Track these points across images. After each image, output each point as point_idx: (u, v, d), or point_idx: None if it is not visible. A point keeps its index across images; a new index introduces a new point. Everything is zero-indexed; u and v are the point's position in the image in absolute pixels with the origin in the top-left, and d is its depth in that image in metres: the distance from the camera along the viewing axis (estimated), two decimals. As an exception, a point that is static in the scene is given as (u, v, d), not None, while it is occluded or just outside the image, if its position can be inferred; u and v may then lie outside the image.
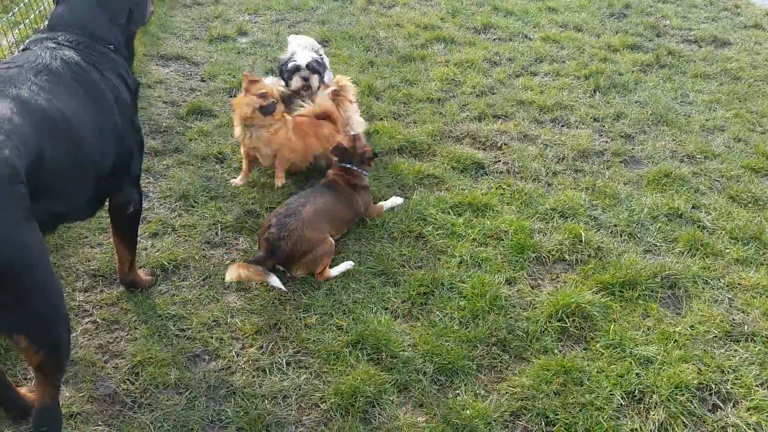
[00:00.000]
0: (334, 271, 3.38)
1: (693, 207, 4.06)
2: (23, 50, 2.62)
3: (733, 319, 3.23)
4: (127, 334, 3.01)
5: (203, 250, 3.52)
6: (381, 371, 2.86)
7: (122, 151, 2.73)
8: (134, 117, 2.86)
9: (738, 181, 4.33)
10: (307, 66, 4.26)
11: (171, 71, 5.55)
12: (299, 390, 2.75)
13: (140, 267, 3.30)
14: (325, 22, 6.75)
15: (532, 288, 3.41)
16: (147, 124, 4.64)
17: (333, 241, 3.43)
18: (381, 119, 4.88)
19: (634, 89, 5.54)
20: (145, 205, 3.80)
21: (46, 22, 2.80)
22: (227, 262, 3.44)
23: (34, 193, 2.12)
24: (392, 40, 6.28)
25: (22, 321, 2.11)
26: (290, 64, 4.30)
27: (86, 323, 3.06)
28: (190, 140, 4.52)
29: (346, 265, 3.43)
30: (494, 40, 6.50)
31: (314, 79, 4.29)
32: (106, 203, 2.91)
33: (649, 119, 5.07)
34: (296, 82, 4.28)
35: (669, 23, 7.05)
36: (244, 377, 2.80)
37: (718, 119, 5.12)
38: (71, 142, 2.39)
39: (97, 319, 3.07)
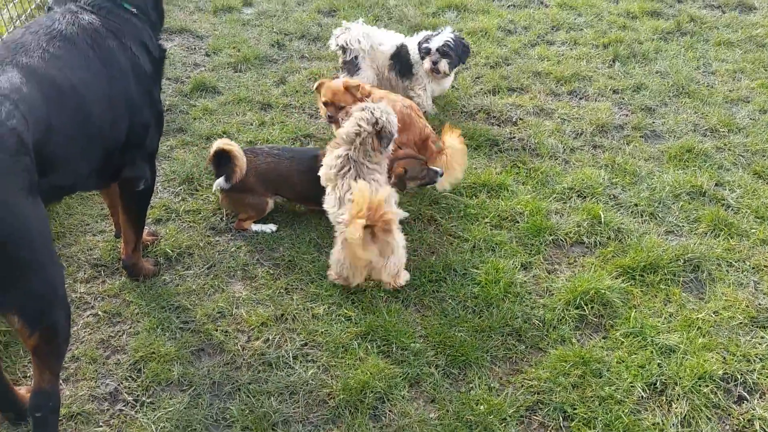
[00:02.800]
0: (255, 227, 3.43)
1: (716, 184, 3.88)
2: (47, 10, 2.54)
3: (760, 304, 3.09)
4: (130, 328, 2.92)
5: (208, 236, 3.41)
6: (391, 364, 2.75)
7: (137, 125, 2.62)
8: (154, 89, 2.73)
9: (764, 156, 4.13)
10: (438, 50, 4.20)
11: (175, 45, 5.39)
12: (307, 385, 2.66)
13: (144, 256, 3.20)
14: (332, -10, 6.50)
15: (549, 273, 3.28)
16: (149, 103, 4.50)
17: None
18: (390, 94, 4.69)
19: (655, 59, 5.29)
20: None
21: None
22: (232, 249, 3.33)
23: (40, 164, 2.06)
24: (402, 9, 6.04)
25: (17, 299, 2.01)
26: (423, 46, 4.27)
27: (87, 316, 2.98)
28: (195, 119, 4.38)
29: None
30: (509, 6, 6.24)
31: (443, 64, 4.23)
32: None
33: (670, 91, 4.84)
34: (426, 65, 4.27)
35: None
36: (249, 372, 2.71)
37: (743, 90, 4.88)
38: (80, 113, 2.31)
39: (99, 312, 2.99)
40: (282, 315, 2.97)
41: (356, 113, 3.13)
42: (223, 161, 3.36)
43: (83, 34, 2.38)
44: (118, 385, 2.66)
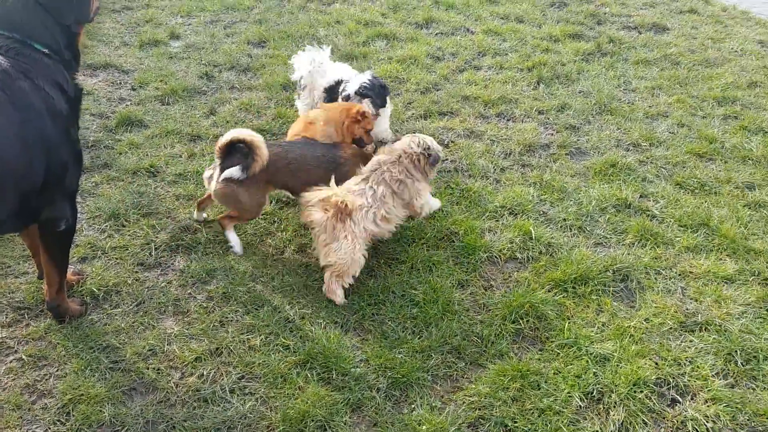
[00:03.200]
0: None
1: (641, 196, 4.04)
2: None
3: (687, 309, 3.20)
4: (57, 370, 2.78)
5: (136, 273, 3.30)
6: (332, 391, 2.71)
7: (54, 165, 2.53)
8: (71, 128, 2.64)
9: (684, 167, 4.33)
10: (356, 93, 4.05)
11: (99, 81, 5.26)
12: (245, 419, 2.58)
13: (69, 296, 3.06)
14: (262, 21, 6.53)
15: (485, 290, 3.31)
16: (74, 139, 4.37)
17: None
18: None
19: (578, 79, 5.52)
20: (73, 227, 3.56)
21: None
22: (162, 284, 3.23)
23: None
24: (333, 38, 6.11)
25: None
26: (343, 94, 4.12)
27: (11, 362, 2.81)
28: (120, 154, 4.27)
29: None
30: (437, 34, 6.40)
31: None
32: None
33: (593, 109, 5.05)
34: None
35: (609, 10, 7.08)
36: (184, 409, 2.61)
37: (661, 105, 5.14)
38: None
39: (23, 356, 2.83)
40: (217, 349, 2.89)
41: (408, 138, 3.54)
42: (232, 151, 3.27)
43: None
44: (46, 430, 2.51)
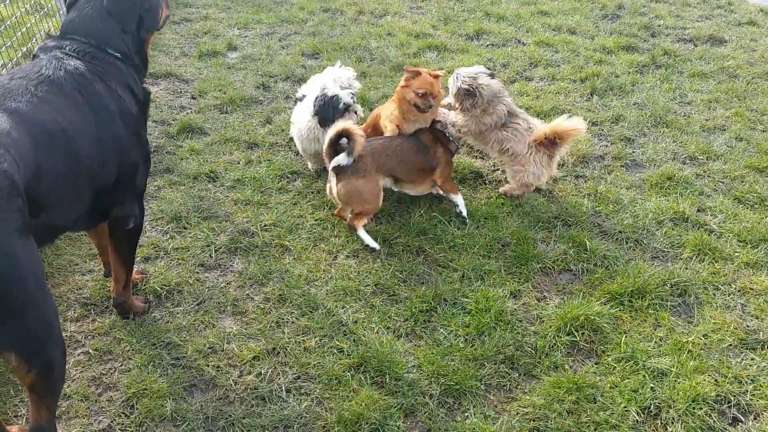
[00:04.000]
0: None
1: (698, 210, 3.96)
2: (33, 57, 2.60)
3: (748, 326, 3.13)
4: (121, 365, 2.89)
5: (197, 273, 3.40)
6: (386, 395, 2.74)
7: (126, 165, 2.65)
8: (141, 129, 2.77)
9: (742, 182, 4.23)
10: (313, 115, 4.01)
11: (161, 89, 5.45)
12: (301, 419, 2.63)
13: (133, 294, 3.18)
14: (315, 34, 6.66)
15: (538, 301, 3.30)
16: (137, 144, 4.54)
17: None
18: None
19: (632, 91, 5.45)
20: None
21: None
22: (222, 285, 3.32)
23: (32, 205, 2.11)
24: (384, 50, 6.19)
25: (14, 337, 2.05)
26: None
27: (78, 354, 2.94)
28: (181, 159, 4.41)
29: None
30: (487, 46, 6.42)
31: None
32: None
33: (648, 121, 4.98)
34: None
35: (663, 23, 6.98)
36: (242, 407, 2.68)
37: (718, 119, 5.03)
38: (69, 156, 2.36)
39: (90, 350, 2.96)
40: (273, 349, 2.96)
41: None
42: (338, 146, 3.57)
43: (70, 78, 2.43)
44: (111, 422, 2.62)
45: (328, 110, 3.87)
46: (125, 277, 2.99)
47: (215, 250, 3.56)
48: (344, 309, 3.18)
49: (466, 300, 3.23)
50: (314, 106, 3.95)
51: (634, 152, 4.60)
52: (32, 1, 5.79)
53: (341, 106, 3.88)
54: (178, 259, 3.50)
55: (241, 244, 3.61)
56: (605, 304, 3.22)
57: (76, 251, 3.54)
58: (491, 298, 3.22)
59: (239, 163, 4.39)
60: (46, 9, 5.77)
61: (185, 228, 3.72)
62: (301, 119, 4.08)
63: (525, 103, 5.20)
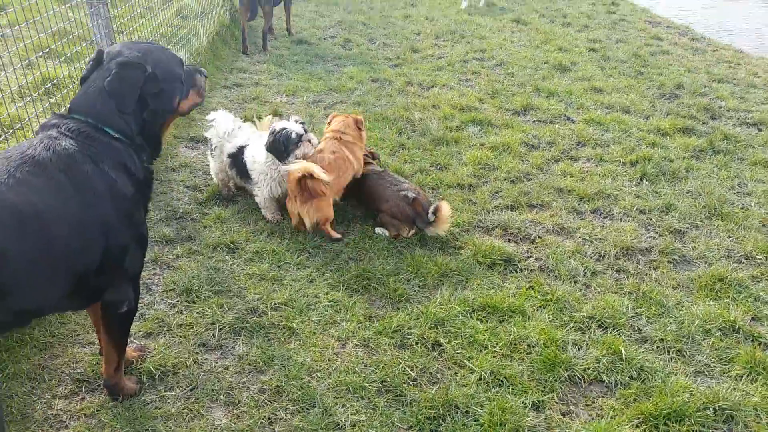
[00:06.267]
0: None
1: (752, 319, 3.54)
2: (36, 133, 2.56)
3: (807, 466, 2.69)
4: (100, 453, 2.71)
5: (196, 354, 3.23)
6: None
7: (114, 248, 2.53)
8: (135, 211, 2.66)
9: (807, 288, 3.79)
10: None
11: (198, 153, 5.47)
12: None
13: (127, 373, 3.03)
14: (360, 103, 6.64)
15: (563, 415, 2.95)
16: (164, 210, 4.50)
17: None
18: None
19: (686, 177, 5.10)
20: (146, 299, 3.59)
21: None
22: (219, 369, 3.13)
23: None
24: (426, 122, 6.07)
25: None
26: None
27: (59, 437, 2.78)
28: (205, 227, 4.33)
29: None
30: (534, 122, 6.22)
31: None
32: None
33: (702, 212, 4.61)
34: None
35: (724, 104, 6.63)
36: None
37: (782, 213, 4.61)
38: (42, 239, 2.26)
39: (72, 433, 2.79)
40: (260, 450, 2.72)
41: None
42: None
43: (57, 159, 2.36)
44: None
45: (280, 144, 4.19)
46: (117, 359, 2.85)
47: (219, 329, 3.39)
48: (344, 408, 2.92)
49: (480, 410, 2.92)
50: (266, 144, 4.27)
51: (683, 247, 4.23)
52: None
53: (293, 136, 4.19)
54: (180, 336, 3.34)
55: (247, 324, 3.42)
56: (637, 427, 2.84)
57: (81, 320, 3.44)
58: (508, 410, 2.89)
59: (261, 233, 4.27)
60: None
61: (194, 302, 3.58)
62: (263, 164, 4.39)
63: (569, 184, 4.93)
